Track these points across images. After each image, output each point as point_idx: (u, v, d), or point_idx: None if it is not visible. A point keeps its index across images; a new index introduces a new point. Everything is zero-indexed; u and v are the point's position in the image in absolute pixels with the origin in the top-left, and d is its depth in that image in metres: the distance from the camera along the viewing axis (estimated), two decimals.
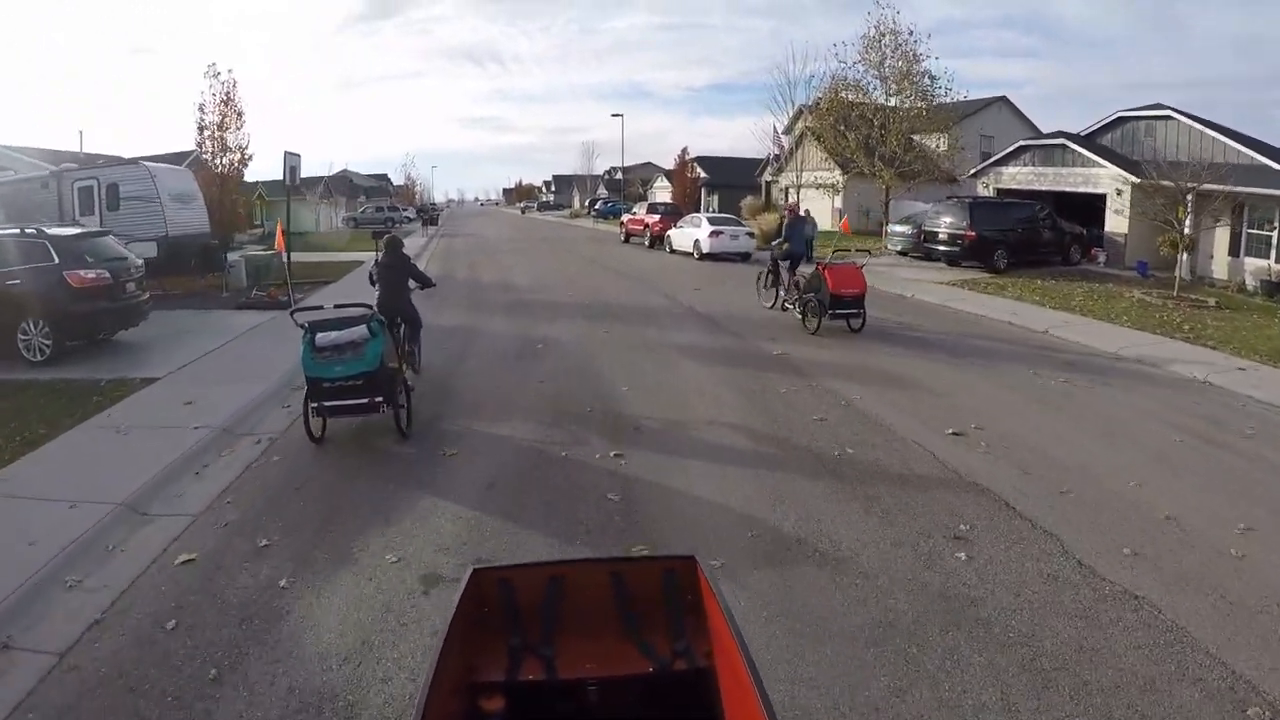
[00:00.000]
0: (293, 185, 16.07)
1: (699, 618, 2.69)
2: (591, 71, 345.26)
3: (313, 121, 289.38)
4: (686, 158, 54.56)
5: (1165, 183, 20.45)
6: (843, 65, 30.42)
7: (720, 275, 22.71)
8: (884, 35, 29.45)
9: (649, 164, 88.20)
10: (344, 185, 75.37)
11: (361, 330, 7.66)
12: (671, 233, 29.72)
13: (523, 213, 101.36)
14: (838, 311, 13.64)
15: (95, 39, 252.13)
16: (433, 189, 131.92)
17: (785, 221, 16.97)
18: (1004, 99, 44.45)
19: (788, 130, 50.41)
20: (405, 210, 69.01)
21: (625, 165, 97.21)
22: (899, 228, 27.06)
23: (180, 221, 19.05)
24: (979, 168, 30.74)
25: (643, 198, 71.03)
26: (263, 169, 29.99)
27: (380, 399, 7.62)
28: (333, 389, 7.49)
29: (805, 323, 14.13)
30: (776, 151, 50.69)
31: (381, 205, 62.95)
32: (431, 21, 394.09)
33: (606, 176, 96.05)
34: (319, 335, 7.56)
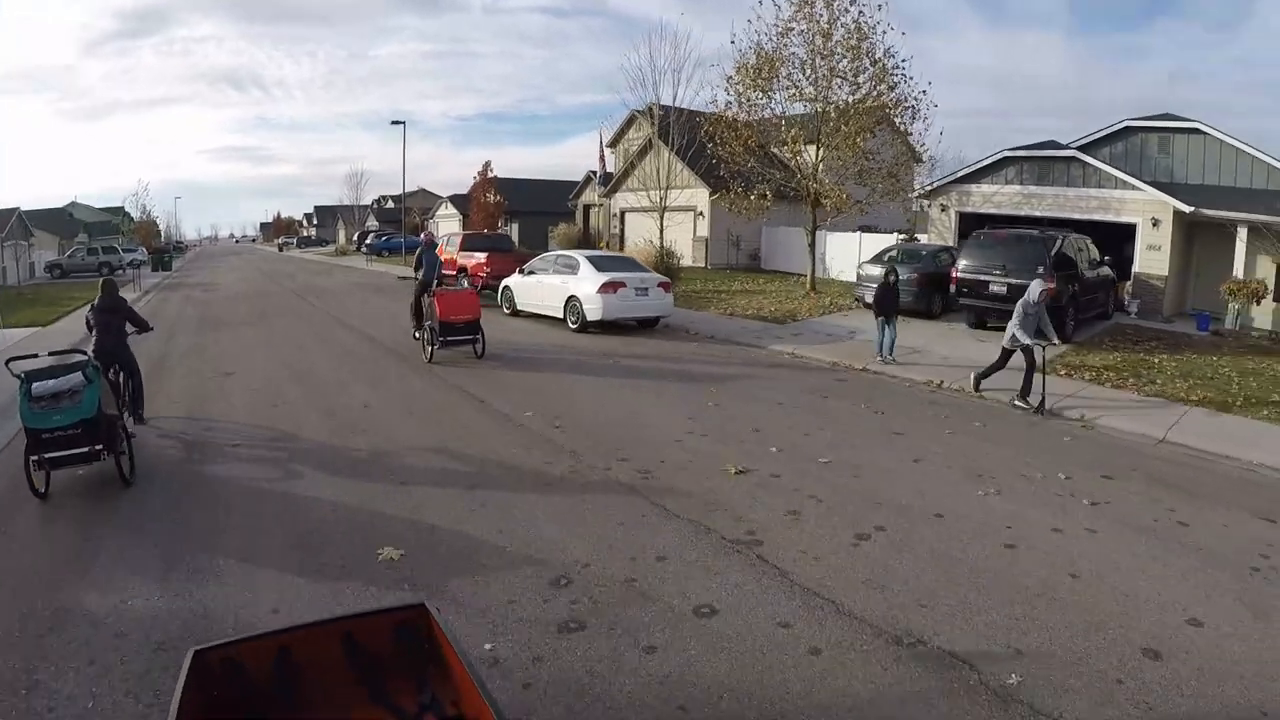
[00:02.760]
0: None
1: (440, 666, 2.56)
2: (358, 99, 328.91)
3: (49, 154, 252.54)
4: (489, 174, 43.45)
5: (1235, 214, 16.74)
6: (761, 32, 20.88)
7: (711, 382, 11.59)
8: None
9: (424, 190, 76.24)
10: (60, 223, 57.63)
11: (78, 377, 7.35)
12: (514, 283, 18.97)
13: (280, 249, 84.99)
14: (449, 339, 13.09)
15: None
16: (179, 224, 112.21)
17: (420, 251, 15.68)
18: None
19: (613, 143, 41.30)
20: (135, 250, 52.96)
21: (399, 193, 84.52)
22: (873, 269, 17.73)
23: None
24: (935, 183, 22.42)
25: (421, 229, 59.09)
26: None
27: (100, 447, 7.27)
28: (52, 439, 7.13)
29: (424, 351, 13.56)
30: (597, 170, 41.38)
31: (95, 247, 47.00)
32: (193, 42, 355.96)
33: (376, 205, 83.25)
34: (35, 384, 7.20)
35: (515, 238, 44.86)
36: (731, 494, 6.84)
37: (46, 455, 7.16)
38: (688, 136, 26.71)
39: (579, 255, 17.50)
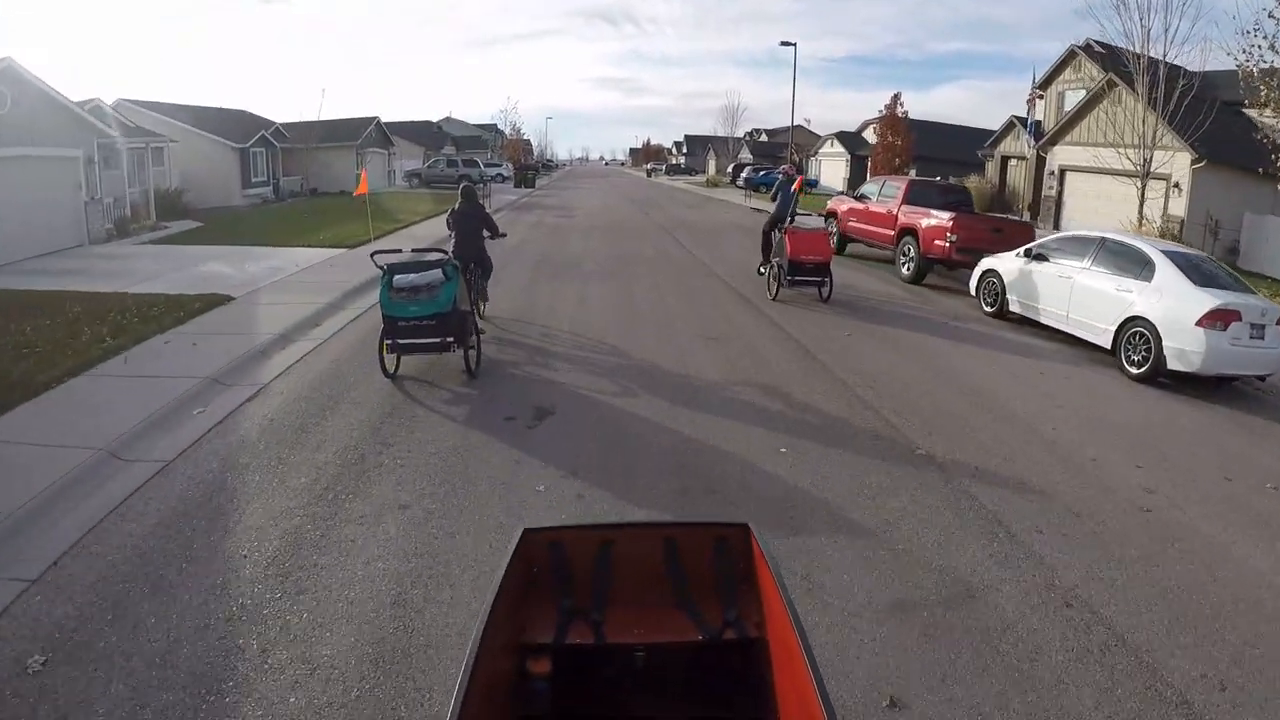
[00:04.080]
0: None
1: (751, 587, 2.57)
2: (727, 38, 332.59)
3: (437, 79, 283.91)
4: (899, 109, 37.73)
5: None
6: None
7: None
8: None
9: (803, 127, 71.83)
10: (429, 135, 61.42)
11: (437, 274, 7.80)
12: (1007, 269, 12.69)
13: (649, 175, 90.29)
14: (797, 278, 12.70)
15: None
16: (551, 145, 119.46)
17: (777, 184, 14.96)
18: None
19: (1044, 85, 34.05)
20: (499, 165, 55.02)
21: (772, 128, 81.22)
22: None
23: None
24: None
25: (797, 168, 55.01)
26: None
27: (451, 339, 7.87)
28: (407, 328, 7.74)
29: (769, 287, 13.38)
30: (1025, 116, 34.39)
31: (455, 160, 48.98)
32: None
33: (749, 139, 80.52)
34: (397, 277, 7.74)
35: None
36: None
37: (400, 341, 7.89)
38: (1176, 85, 19.96)
39: (1149, 247, 10.52)
